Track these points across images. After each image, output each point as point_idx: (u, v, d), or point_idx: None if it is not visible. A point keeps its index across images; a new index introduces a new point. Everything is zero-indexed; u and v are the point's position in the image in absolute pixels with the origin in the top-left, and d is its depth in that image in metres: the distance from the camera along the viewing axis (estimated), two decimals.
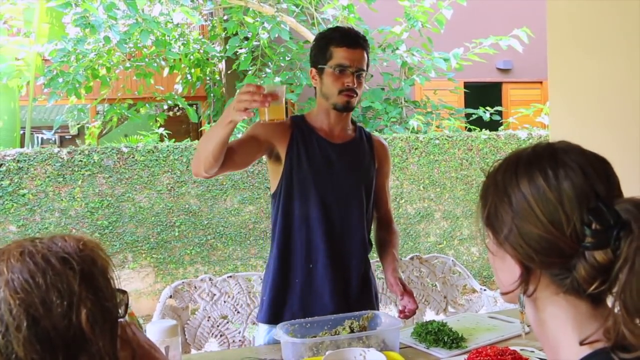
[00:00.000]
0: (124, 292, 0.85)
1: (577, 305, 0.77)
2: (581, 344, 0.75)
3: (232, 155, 1.66)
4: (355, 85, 1.76)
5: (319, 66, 1.79)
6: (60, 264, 0.74)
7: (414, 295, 1.80)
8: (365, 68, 1.78)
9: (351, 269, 1.83)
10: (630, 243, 0.70)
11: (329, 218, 1.78)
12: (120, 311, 0.82)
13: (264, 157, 1.83)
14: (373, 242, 1.96)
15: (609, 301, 0.75)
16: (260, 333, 1.84)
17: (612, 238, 0.72)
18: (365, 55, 1.79)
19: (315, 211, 1.77)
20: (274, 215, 1.84)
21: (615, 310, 0.72)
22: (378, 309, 1.91)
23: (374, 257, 1.99)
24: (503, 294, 0.85)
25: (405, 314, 1.74)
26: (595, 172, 0.76)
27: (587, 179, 0.75)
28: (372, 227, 1.96)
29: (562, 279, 0.76)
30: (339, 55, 1.75)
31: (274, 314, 1.78)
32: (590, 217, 0.73)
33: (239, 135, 1.86)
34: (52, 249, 0.76)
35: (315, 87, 1.84)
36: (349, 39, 1.76)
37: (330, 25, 6.43)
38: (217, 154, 1.60)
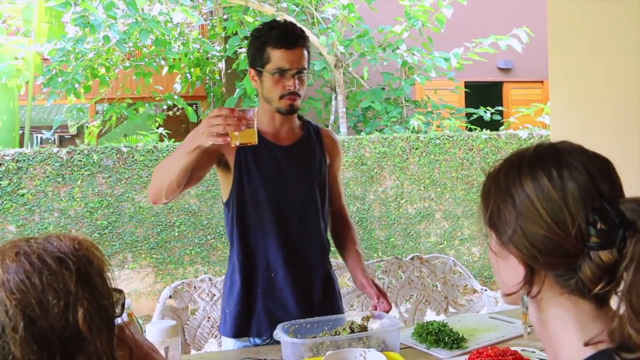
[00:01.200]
0: (120, 292, 0.84)
1: (580, 306, 0.77)
2: (586, 345, 0.75)
3: (190, 175, 1.60)
4: (297, 88, 1.66)
5: (257, 68, 1.69)
6: (56, 264, 0.74)
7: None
8: (306, 66, 1.68)
9: (313, 273, 1.77)
10: (636, 243, 0.70)
11: (285, 224, 1.72)
12: (117, 310, 0.82)
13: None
14: (331, 239, 1.90)
15: (613, 302, 0.74)
16: (227, 347, 1.78)
17: (618, 238, 0.71)
18: (305, 53, 1.67)
19: (269, 219, 1.70)
20: (229, 224, 1.76)
21: (620, 311, 0.72)
22: (342, 308, 1.87)
23: (336, 256, 1.94)
24: (506, 295, 0.84)
25: None
26: (599, 172, 0.76)
27: (591, 179, 0.75)
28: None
29: (566, 279, 0.76)
30: (277, 57, 1.64)
31: (240, 327, 1.73)
32: (595, 217, 0.73)
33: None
34: (47, 248, 0.75)
35: (256, 88, 1.75)
36: (285, 39, 1.64)
37: (330, 25, 6.44)
38: (181, 180, 1.56)
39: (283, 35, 1.64)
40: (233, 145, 1.50)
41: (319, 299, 1.77)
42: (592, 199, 0.74)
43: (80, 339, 0.72)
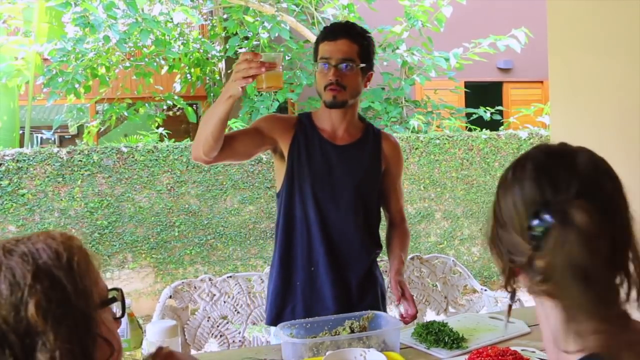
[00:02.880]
0: (118, 290, 0.85)
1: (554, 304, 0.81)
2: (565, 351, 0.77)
3: (233, 142, 1.65)
4: (339, 78, 1.70)
5: (314, 66, 1.79)
6: (19, 258, 0.75)
7: (415, 297, 1.78)
8: (352, 58, 1.70)
9: (351, 272, 1.80)
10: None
11: (327, 222, 1.76)
12: (115, 307, 0.82)
13: (269, 154, 1.84)
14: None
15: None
16: (272, 335, 1.85)
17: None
18: (353, 45, 1.71)
19: (313, 214, 1.75)
20: (277, 215, 1.82)
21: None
22: (385, 311, 1.88)
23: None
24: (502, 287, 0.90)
25: (405, 320, 1.71)
26: (549, 180, 0.80)
27: (537, 187, 0.80)
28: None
29: (533, 277, 0.80)
30: (322, 49, 1.73)
31: (276, 315, 1.78)
32: (532, 222, 0.78)
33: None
34: (18, 245, 0.77)
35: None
36: (329, 32, 1.73)
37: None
38: (217, 133, 1.58)
39: (328, 30, 1.75)
40: (260, 89, 1.54)
41: (357, 297, 1.80)
42: (532, 206, 0.79)
43: (35, 333, 0.72)
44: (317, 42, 1.77)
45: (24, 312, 0.72)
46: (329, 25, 1.81)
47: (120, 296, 0.86)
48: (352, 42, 1.71)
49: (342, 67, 1.70)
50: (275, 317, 1.78)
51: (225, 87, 1.56)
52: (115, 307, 0.87)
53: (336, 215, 1.77)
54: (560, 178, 0.79)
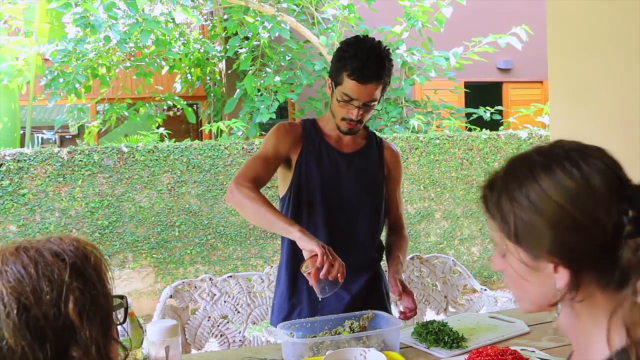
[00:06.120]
0: (122, 297, 0.87)
1: (612, 300, 0.75)
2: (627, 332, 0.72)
3: (263, 181, 1.73)
4: (360, 117, 1.71)
5: (332, 82, 1.74)
6: (52, 257, 0.77)
7: (414, 295, 1.80)
8: (376, 98, 1.71)
9: (357, 276, 1.82)
10: None
11: (335, 228, 1.78)
12: (118, 313, 0.84)
13: None
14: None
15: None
16: (273, 337, 1.90)
17: None
18: (380, 87, 1.69)
19: (321, 220, 1.77)
20: None
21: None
22: (388, 309, 1.91)
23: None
24: (538, 309, 0.81)
25: (407, 315, 1.73)
26: (611, 160, 0.76)
27: (610, 169, 0.75)
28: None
29: (607, 272, 0.75)
30: (348, 86, 1.67)
31: (282, 319, 1.80)
32: (625, 205, 0.72)
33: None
34: (46, 245, 0.79)
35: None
36: (360, 73, 1.64)
37: (330, 25, 6.43)
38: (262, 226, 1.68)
39: (359, 68, 1.64)
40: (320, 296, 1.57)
41: (362, 301, 1.81)
42: (617, 188, 0.74)
43: (72, 330, 0.74)
44: (342, 68, 1.67)
45: (63, 308, 0.74)
46: (359, 56, 1.65)
47: (125, 303, 0.89)
48: (379, 84, 1.68)
49: (366, 107, 1.71)
50: (285, 320, 1.79)
51: (300, 235, 1.54)
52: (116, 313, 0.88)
53: (344, 222, 1.79)
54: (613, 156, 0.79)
